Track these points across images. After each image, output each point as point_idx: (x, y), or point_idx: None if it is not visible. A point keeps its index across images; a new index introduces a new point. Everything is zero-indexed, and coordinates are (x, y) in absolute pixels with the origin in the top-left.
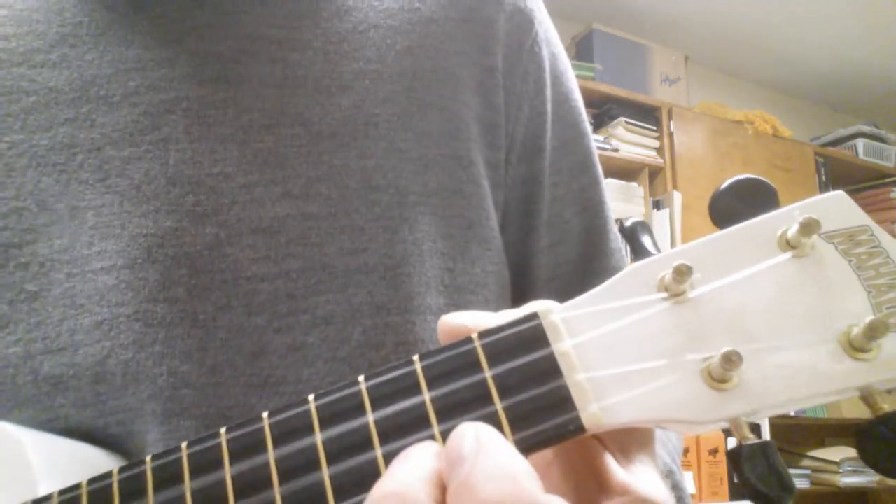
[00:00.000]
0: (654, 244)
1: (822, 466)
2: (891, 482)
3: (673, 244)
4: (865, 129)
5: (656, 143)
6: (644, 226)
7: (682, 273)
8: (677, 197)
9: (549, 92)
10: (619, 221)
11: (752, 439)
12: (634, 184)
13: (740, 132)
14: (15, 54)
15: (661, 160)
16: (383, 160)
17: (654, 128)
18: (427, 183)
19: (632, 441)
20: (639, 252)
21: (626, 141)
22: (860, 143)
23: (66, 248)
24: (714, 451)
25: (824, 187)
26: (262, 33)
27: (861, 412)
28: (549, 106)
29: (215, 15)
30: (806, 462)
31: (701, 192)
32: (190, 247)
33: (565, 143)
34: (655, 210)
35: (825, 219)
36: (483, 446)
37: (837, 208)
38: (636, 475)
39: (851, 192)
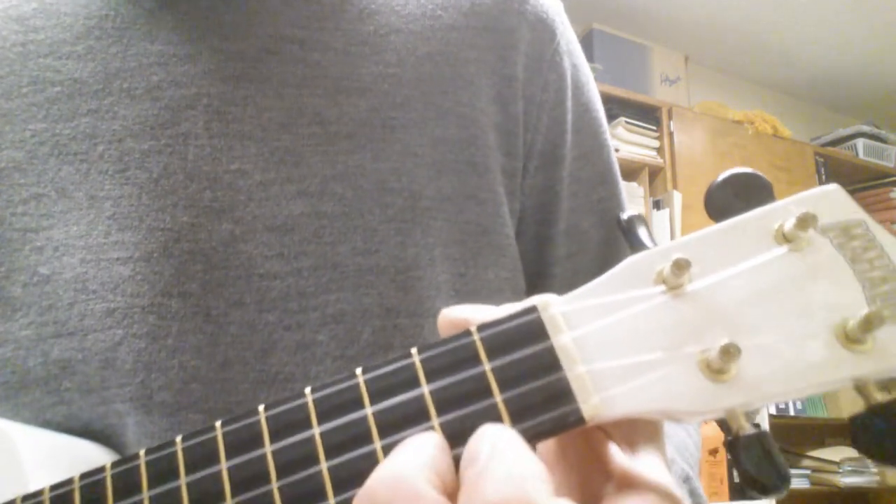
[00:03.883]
0: (650, 236)
1: (822, 466)
2: (891, 482)
3: None
4: (865, 129)
5: (656, 143)
6: (640, 218)
7: (681, 267)
8: (677, 197)
9: (569, 103)
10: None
11: (748, 429)
12: (634, 184)
13: (740, 132)
14: (42, 45)
15: (661, 160)
16: (398, 163)
17: (654, 128)
18: (441, 188)
19: (638, 434)
20: (635, 245)
21: (627, 141)
22: (860, 143)
23: (82, 234)
24: (714, 452)
25: None
26: (285, 33)
27: None
28: (569, 116)
29: (239, 13)
30: (806, 462)
31: (701, 191)
32: (205, 242)
33: (585, 154)
34: (655, 210)
35: (821, 213)
36: (497, 448)
37: (833, 202)
38: (640, 462)
39: (851, 193)
